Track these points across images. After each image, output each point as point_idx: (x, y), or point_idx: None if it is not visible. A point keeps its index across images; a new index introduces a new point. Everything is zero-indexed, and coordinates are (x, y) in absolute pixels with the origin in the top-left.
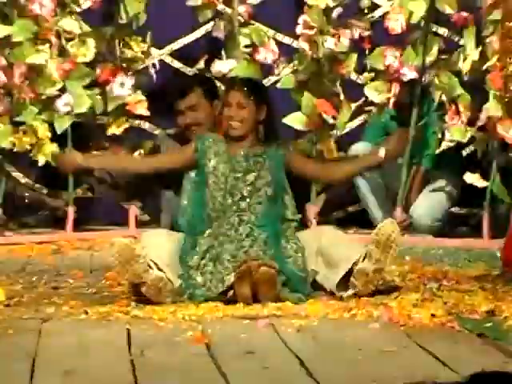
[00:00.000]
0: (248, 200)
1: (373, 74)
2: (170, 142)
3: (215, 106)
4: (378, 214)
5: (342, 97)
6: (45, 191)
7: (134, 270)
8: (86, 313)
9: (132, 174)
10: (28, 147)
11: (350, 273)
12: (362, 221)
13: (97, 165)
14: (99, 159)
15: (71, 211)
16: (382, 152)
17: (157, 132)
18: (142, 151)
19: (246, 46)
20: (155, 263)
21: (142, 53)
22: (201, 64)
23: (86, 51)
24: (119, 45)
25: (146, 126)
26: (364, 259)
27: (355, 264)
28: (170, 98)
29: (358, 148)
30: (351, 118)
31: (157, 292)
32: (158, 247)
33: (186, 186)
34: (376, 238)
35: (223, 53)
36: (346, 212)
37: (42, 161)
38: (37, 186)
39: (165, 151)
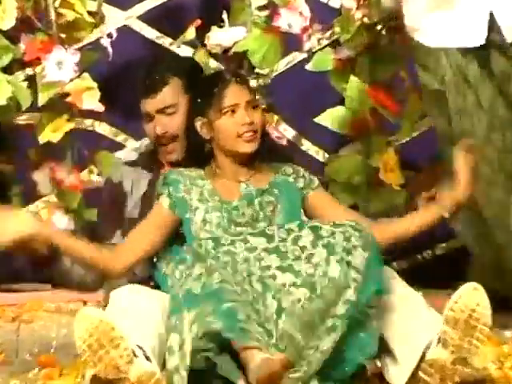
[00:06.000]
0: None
1: None
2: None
3: None
4: None
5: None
6: None
7: (111, 359)
8: None
9: None
10: None
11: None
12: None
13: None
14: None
15: None
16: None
17: (119, 138)
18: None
19: (261, 8)
20: (140, 347)
21: (91, 15)
22: (189, 34)
23: (3, 14)
24: (54, 4)
25: (99, 128)
26: (438, 343)
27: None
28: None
29: None
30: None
31: None
32: (141, 319)
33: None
34: (452, 316)
35: (225, 17)
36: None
37: None
38: None
39: (129, 190)
